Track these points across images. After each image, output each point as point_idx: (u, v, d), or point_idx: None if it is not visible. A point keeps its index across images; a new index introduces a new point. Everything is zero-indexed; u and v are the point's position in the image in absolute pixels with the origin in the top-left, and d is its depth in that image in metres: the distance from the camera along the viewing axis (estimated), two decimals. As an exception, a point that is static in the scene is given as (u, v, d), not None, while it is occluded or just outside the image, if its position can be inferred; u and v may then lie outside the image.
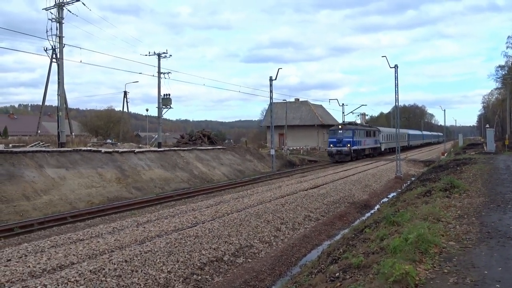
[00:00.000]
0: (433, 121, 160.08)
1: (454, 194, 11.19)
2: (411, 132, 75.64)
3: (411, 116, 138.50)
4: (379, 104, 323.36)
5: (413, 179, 25.62)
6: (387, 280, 4.68)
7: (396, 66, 27.65)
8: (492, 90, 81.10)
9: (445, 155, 41.26)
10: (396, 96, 28.19)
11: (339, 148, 39.46)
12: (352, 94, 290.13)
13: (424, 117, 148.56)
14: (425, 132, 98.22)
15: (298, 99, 68.16)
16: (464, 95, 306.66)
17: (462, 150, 45.28)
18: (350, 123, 44.21)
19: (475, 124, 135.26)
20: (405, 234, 6.28)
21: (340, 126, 42.03)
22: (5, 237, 11.20)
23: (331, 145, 40.36)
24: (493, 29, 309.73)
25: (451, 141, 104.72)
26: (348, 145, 39.28)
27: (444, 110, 73.86)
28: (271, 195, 17.04)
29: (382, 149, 50.25)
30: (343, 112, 59.99)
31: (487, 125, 52.67)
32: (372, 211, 17.07)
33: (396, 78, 27.78)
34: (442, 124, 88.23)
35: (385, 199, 20.08)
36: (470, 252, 5.93)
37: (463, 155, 31.85)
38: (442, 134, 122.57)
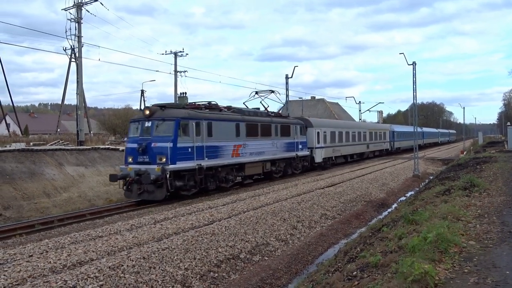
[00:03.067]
0: (452, 119, 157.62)
1: (474, 193, 11.01)
2: (397, 129, 51.68)
3: (429, 114, 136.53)
4: (395, 102, 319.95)
5: (431, 177, 25.27)
6: (406, 279, 4.63)
7: (414, 63, 27.30)
8: (513, 87, 79.01)
9: (464, 153, 40.55)
10: (414, 93, 27.84)
11: (139, 166, 15.98)
12: (367, 92, 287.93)
13: (443, 114, 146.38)
14: (425, 129, 69.73)
15: (314, 97, 67.97)
16: (482, 92, 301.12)
17: (482, 148, 44.41)
18: (177, 105, 18.40)
19: (495, 122, 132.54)
20: (424, 233, 6.20)
21: (147, 112, 16.73)
22: (26, 233, 11.45)
23: (130, 159, 16.48)
24: (510, 25, 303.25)
25: (470, 139, 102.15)
26: (163, 159, 15.75)
27: (464, 108, 71.80)
28: (287, 193, 17.02)
29: (319, 159, 28.42)
30: (359, 110, 59.61)
31: (508, 123, 51.41)
32: (389, 210, 16.90)
33: (414, 75, 27.43)
34: (461, 122, 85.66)
35: (403, 198, 19.87)
36: (491, 252, 5.82)
37: (483, 153, 31.26)
38: (454, 131, 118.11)
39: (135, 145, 16.28)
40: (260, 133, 21.39)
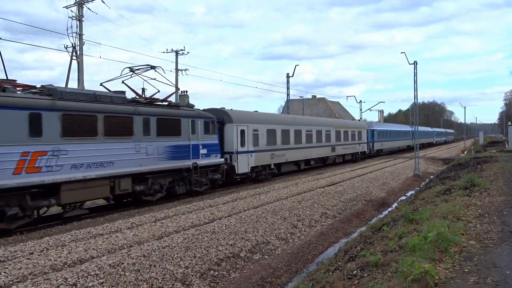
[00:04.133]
0: (453, 119, 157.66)
1: (474, 193, 11.01)
2: (377, 127, 42.72)
3: (430, 113, 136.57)
4: (395, 101, 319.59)
5: (432, 177, 25.28)
6: (406, 278, 4.64)
7: (415, 63, 27.34)
8: (514, 87, 78.66)
9: (465, 153, 40.56)
10: (415, 93, 27.86)
11: None
12: (368, 91, 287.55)
13: (444, 114, 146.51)
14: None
15: (315, 96, 68.11)
16: (483, 92, 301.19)
17: (483, 148, 44.41)
18: None
19: (496, 122, 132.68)
20: (425, 233, 6.21)
21: None
22: (27, 230, 11.45)
23: None
24: (511, 25, 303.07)
25: (471, 139, 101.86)
26: None
27: (465, 107, 71.35)
28: (288, 192, 17.03)
29: (243, 169, 20.37)
30: (360, 109, 59.67)
31: (509, 123, 51.34)
32: (390, 209, 16.92)
33: (415, 74, 27.46)
34: (462, 121, 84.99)
35: (403, 197, 19.87)
36: (491, 252, 5.82)
37: (483, 153, 31.27)
38: (452, 131, 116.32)
39: None
40: (103, 131, 13.14)
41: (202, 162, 17.25)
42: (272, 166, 22.93)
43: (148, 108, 15.19)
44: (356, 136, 35.65)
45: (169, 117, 15.85)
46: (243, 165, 20.21)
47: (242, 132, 20.32)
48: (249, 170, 20.73)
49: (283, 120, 25.43)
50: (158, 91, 17.43)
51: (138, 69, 17.03)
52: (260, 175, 21.93)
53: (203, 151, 17.39)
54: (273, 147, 22.83)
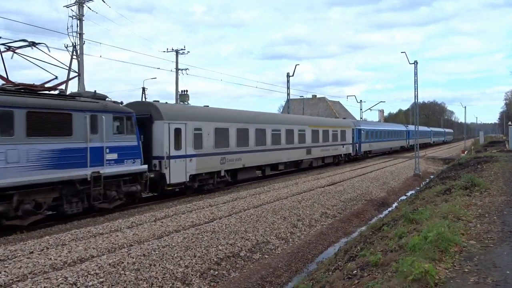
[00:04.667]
0: (453, 118, 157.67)
1: (474, 193, 11.02)
2: (365, 126, 38.09)
3: (430, 113, 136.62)
4: (395, 101, 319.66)
5: (432, 177, 25.28)
6: (406, 278, 4.64)
7: (415, 62, 27.38)
8: (515, 87, 78.49)
9: (465, 153, 40.57)
10: (416, 92, 27.89)
11: None
12: (368, 91, 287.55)
13: (444, 114, 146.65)
14: (412, 128, 45.76)
15: (316, 96, 68.12)
16: (483, 92, 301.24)
17: (483, 148, 44.40)
18: None
19: (497, 122, 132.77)
20: (425, 233, 6.22)
21: None
22: (27, 230, 11.46)
23: None
24: (510, 25, 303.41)
25: (471, 139, 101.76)
26: None
27: (465, 107, 71.24)
28: (288, 191, 17.03)
29: (178, 178, 16.03)
30: (361, 109, 59.74)
31: (510, 123, 51.20)
32: (390, 209, 16.93)
33: (415, 74, 27.50)
34: (463, 121, 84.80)
35: (404, 197, 19.88)
36: (492, 252, 5.82)
37: (484, 153, 31.27)
38: (451, 130, 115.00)
39: None
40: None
41: (109, 170, 13.04)
42: (223, 173, 18.69)
43: (12, 98, 10.86)
44: (338, 136, 31.15)
45: (50, 111, 11.50)
46: (177, 173, 15.94)
47: (177, 131, 16.10)
48: (188, 179, 16.49)
49: (239, 118, 20.42)
50: (56, 77, 13.69)
51: (19, 46, 13.27)
52: (206, 185, 17.85)
53: (111, 156, 13.21)
54: (225, 149, 18.68)
